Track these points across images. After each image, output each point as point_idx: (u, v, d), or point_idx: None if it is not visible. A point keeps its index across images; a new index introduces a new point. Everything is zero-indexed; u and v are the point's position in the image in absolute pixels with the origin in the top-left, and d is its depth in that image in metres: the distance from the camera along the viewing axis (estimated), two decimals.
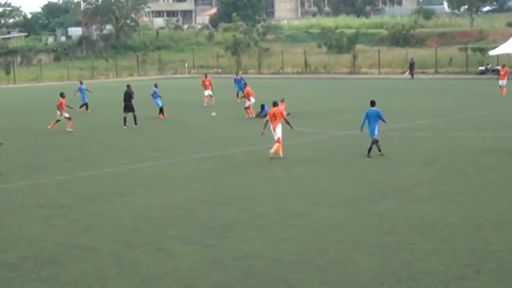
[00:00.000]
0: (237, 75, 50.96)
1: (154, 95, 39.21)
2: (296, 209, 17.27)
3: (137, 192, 19.69)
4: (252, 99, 38.40)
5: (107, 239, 14.99)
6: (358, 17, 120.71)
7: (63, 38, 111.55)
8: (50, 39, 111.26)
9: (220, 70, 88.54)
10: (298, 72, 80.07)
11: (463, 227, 15.38)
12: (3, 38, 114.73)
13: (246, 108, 38.33)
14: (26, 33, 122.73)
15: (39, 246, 14.54)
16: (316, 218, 16.35)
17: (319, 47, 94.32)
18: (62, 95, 34.08)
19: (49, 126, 33.87)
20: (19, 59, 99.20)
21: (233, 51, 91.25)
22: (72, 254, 13.98)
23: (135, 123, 34.29)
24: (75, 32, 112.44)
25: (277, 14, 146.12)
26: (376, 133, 24.23)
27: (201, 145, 28.45)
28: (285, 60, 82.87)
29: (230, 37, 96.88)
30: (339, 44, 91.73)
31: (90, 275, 12.66)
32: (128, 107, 34.60)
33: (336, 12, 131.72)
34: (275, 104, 25.11)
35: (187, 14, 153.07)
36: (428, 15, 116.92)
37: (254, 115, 37.58)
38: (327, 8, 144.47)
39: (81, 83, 45.54)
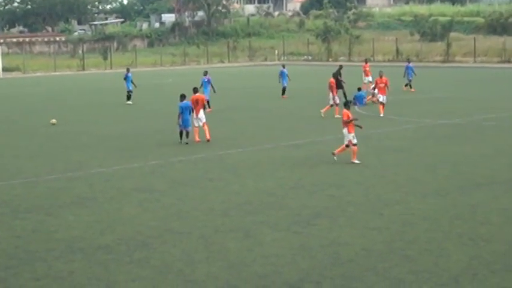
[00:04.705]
0: (283, 67, 43.44)
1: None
2: (386, 198, 17.13)
3: (227, 178, 19.91)
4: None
5: (197, 224, 15.25)
6: (453, 4, 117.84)
7: (157, 24, 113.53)
8: (145, 26, 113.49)
9: (310, 57, 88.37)
10: (389, 60, 79.02)
11: None
12: (100, 24, 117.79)
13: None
14: (122, 19, 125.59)
15: (133, 229, 14.92)
16: (406, 208, 16.18)
17: (412, 35, 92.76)
18: (334, 76, 33.83)
19: (322, 110, 33.03)
20: (115, 44, 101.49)
21: (323, 39, 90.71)
22: (164, 238, 14.29)
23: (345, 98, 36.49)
24: (169, 18, 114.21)
25: (368, 1, 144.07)
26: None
27: (291, 132, 28.49)
28: (376, 48, 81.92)
29: (321, 24, 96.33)
30: (433, 32, 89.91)
31: (180, 259, 12.91)
32: (339, 85, 36.01)
33: None
34: (195, 91, 27.16)
35: (278, 1, 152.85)
36: None
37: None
38: None
39: (283, 66, 44.03)
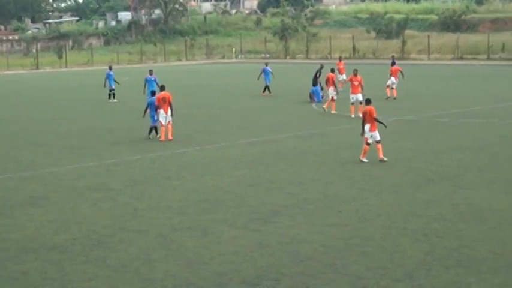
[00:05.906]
0: (266, 65, 43.73)
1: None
2: (343, 195, 17.21)
3: (184, 176, 19.81)
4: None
5: (154, 222, 15.13)
6: (408, 2, 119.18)
7: (113, 23, 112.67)
8: (101, 24, 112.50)
9: (268, 55, 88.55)
10: (346, 58, 79.61)
11: None
12: (55, 22, 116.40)
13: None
14: (77, 18, 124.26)
15: (89, 229, 14.74)
16: (362, 204, 16.28)
17: (368, 32, 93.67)
18: (332, 70, 34.24)
19: (324, 106, 33.46)
20: (70, 43, 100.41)
21: (281, 36, 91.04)
22: (120, 237, 14.15)
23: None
24: (125, 16, 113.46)
25: None
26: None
27: (248, 130, 28.49)
28: (332, 45, 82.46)
29: (278, 22, 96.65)
30: (388, 30, 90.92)
31: (137, 258, 12.79)
32: (314, 82, 37.87)
33: None
34: (163, 88, 26.32)
35: None
36: (480, 0, 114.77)
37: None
38: None
39: (266, 64, 43.78)
